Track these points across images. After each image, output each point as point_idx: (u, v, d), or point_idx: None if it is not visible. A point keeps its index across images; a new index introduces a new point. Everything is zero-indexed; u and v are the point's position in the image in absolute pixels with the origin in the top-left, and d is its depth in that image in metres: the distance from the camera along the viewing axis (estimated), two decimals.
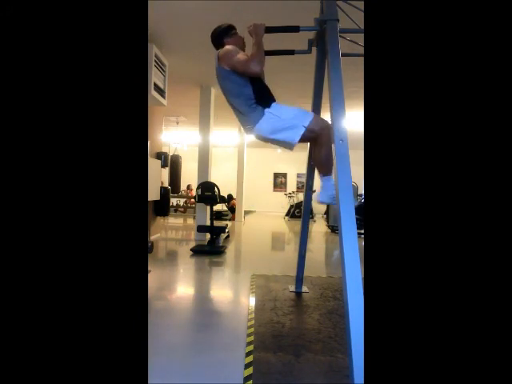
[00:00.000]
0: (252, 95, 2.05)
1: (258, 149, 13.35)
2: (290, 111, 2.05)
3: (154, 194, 5.20)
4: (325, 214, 9.85)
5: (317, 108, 2.77)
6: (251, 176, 12.46)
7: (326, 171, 2.11)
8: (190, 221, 9.41)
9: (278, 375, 1.72)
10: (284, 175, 13.90)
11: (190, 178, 11.24)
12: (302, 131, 1.98)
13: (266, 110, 2.04)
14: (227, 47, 2.10)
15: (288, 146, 2.10)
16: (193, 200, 10.04)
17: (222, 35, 2.21)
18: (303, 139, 2.05)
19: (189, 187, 11.69)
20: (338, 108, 1.67)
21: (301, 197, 11.33)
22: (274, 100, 2.12)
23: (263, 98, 2.07)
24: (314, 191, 2.35)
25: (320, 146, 2.04)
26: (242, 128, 9.46)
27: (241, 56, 2.03)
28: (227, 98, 2.18)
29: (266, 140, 2.15)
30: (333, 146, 1.81)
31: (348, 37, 2.34)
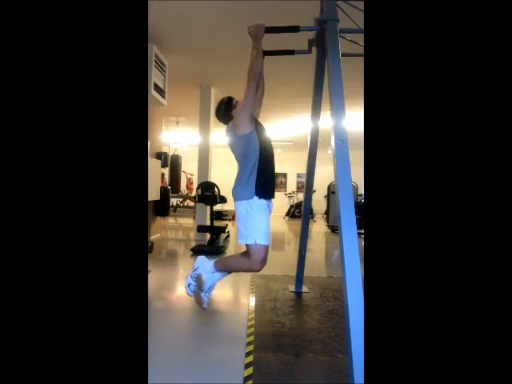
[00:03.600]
0: (256, 177, 2.03)
1: None
2: (263, 222, 2.04)
3: (154, 194, 5.20)
4: (325, 214, 9.84)
5: (317, 108, 2.77)
6: None
7: (220, 267, 2.17)
8: (190, 221, 9.40)
9: (277, 375, 1.72)
10: (284, 175, 13.89)
11: (189, 172, 11.25)
12: (249, 242, 2.01)
13: (256, 198, 2.01)
14: (234, 113, 2.10)
15: (237, 236, 2.12)
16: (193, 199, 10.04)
17: (228, 110, 2.19)
18: (246, 246, 2.07)
19: (190, 180, 11.57)
20: (337, 108, 1.67)
21: (301, 197, 11.32)
22: (269, 197, 2.10)
23: (263, 188, 2.05)
24: (315, 191, 2.37)
25: (242, 260, 2.10)
26: None
27: (240, 102, 2.07)
28: (238, 161, 2.16)
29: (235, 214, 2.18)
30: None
31: (348, 37, 2.34)
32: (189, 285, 2.20)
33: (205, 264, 2.19)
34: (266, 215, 2.06)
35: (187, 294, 2.24)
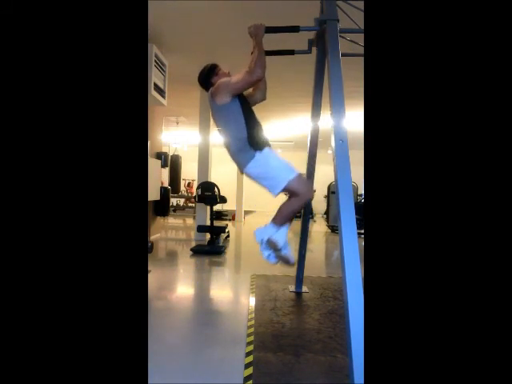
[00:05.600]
0: (246, 135, 2.05)
1: None
2: (279, 161, 2.07)
3: (154, 194, 5.20)
4: (325, 214, 9.84)
5: (317, 108, 2.77)
6: None
7: (279, 222, 2.13)
8: (190, 221, 9.40)
9: (278, 375, 1.72)
10: None
11: (190, 178, 11.28)
12: (283, 185, 2.01)
13: (258, 153, 2.05)
14: (219, 82, 2.11)
15: (271, 193, 2.11)
16: (192, 199, 10.07)
17: (209, 76, 2.26)
18: (285, 191, 2.07)
19: (189, 184, 11.68)
20: (337, 108, 1.67)
21: None
22: (267, 145, 2.12)
23: (256, 140, 2.08)
24: (315, 191, 2.38)
25: (293, 201, 2.08)
26: None
27: (236, 77, 2.06)
28: (223, 135, 2.19)
29: (254, 181, 2.18)
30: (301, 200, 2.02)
31: (348, 37, 2.34)
32: (268, 256, 2.21)
33: (265, 230, 2.18)
34: (276, 156, 2.09)
35: (272, 263, 2.26)
